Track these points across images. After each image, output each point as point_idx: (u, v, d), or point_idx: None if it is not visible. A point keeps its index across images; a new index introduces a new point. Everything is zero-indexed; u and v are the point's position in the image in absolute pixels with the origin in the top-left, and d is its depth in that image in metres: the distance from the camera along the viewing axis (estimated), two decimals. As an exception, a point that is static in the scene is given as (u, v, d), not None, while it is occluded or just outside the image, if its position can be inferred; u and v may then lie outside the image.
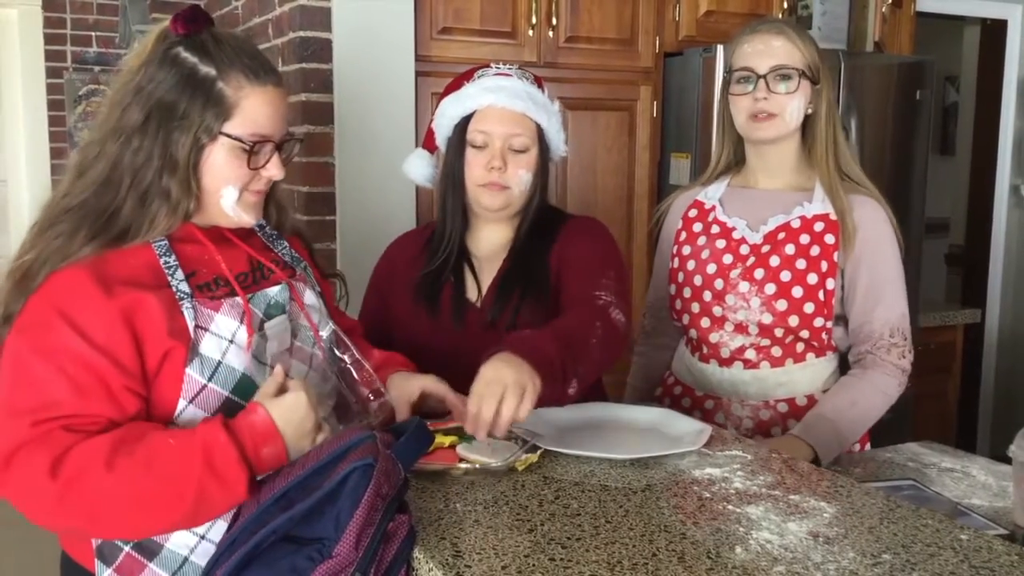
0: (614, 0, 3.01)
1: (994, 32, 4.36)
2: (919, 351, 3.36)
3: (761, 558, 1.08)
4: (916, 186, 3.34)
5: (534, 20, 2.89)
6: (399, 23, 2.70)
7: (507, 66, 1.74)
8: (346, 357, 1.41)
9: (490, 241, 1.77)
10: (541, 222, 1.75)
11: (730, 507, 1.23)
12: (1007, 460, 1.42)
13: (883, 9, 3.48)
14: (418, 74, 2.74)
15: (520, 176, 1.69)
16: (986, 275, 4.43)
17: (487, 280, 1.74)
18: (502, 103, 1.67)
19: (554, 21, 2.91)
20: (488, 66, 1.74)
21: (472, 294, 1.74)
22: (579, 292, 1.62)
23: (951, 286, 4.72)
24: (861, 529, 1.17)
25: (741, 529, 1.16)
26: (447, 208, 1.75)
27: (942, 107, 5.48)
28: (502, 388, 1.30)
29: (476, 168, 1.68)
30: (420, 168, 1.82)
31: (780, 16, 3.24)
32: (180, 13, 1.27)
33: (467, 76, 1.73)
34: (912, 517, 1.20)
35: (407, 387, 1.50)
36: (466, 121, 1.69)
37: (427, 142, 1.82)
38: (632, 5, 3.04)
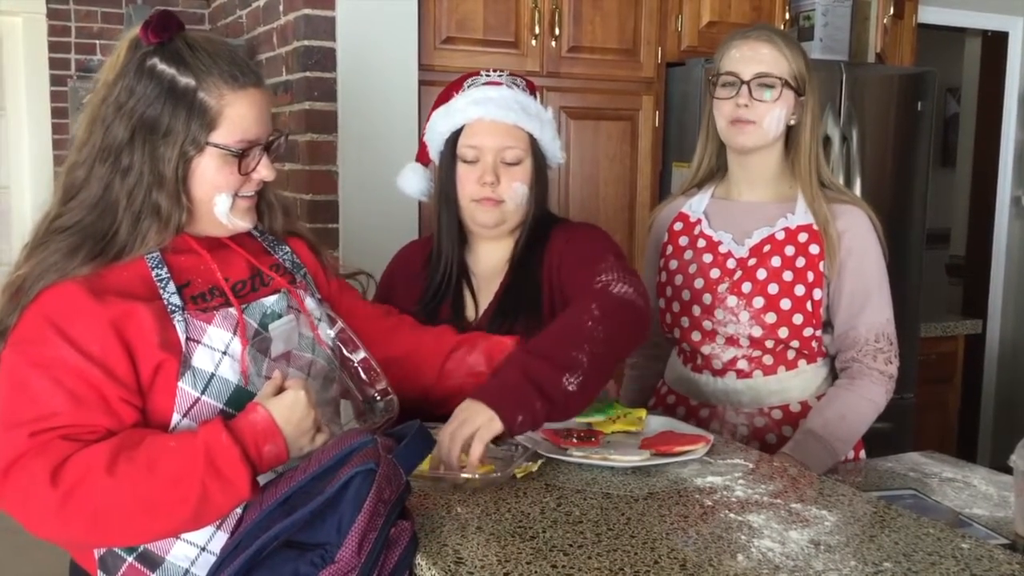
0: (616, 10, 3.02)
1: (995, 44, 4.38)
2: (920, 361, 3.42)
3: (763, 566, 1.08)
4: (917, 197, 3.35)
5: (537, 30, 2.90)
6: (403, 33, 2.71)
7: (497, 73, 1.69)
8: (354, 357, 1.41)
9: (489, 258, 1.73)
10: (536, 233, 1.70)
11: (732, 515, 1.23)
12: (1008, 470, 1.42)
13: (884, 20, 3.50)
14: (421, 83, 2.75)
15: (514, 189, 1.64)
16: (987, 286, 4.44)
17: (485, 299, 1.70)
18: (491, 115, 1.62)
19: (557, 31, 2.93)
20: (479, 74, 1.69)
21: (471, 313, 1.70)
22: (579, 287, 1.57)
23: (952, 297, 4.72)
24: (862, 538, 1.17)
25: (743, 537, 1.16)
26: (442, 226, 1.70)
27: (943, 118, 5.49)
28: (460, 438, 1.32)
29: (468, 184, 1.64)
30: (415, 183, 1.77)
31: (782, 26, 3.25)
32: (150, 21, 1.24)
33: (456, 86, 1.69)
34: (913, 526, 1.20)
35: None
36: (456, 135, 1.65)
37: (420, 155, 1.78)
38: (634, 15, 3.05)
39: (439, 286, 1.70)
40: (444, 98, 1.71)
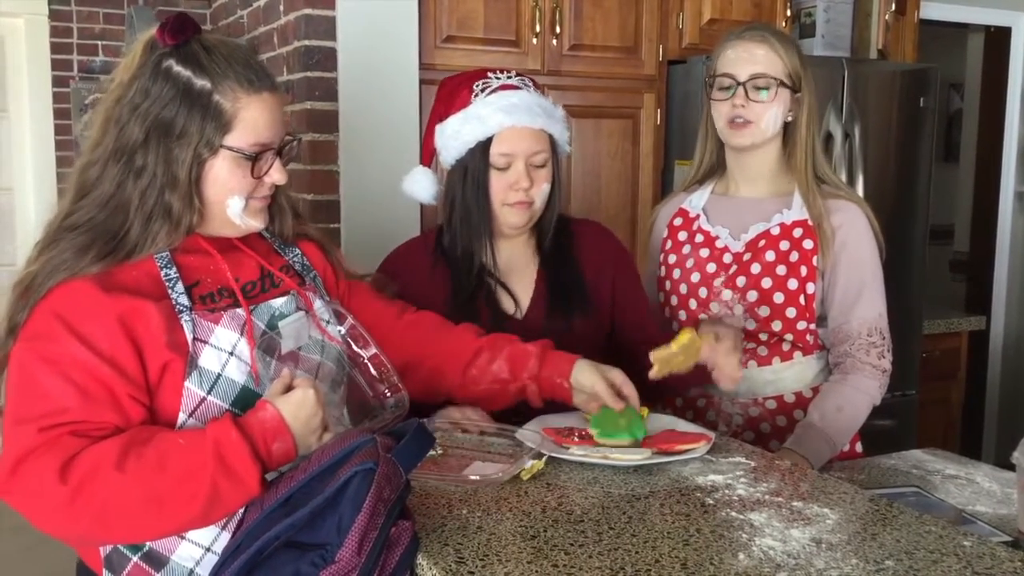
0: (617, 8, 3.02)
1: (998, 39, 4.36)
2: (924, 358, 3.42)
3: (764, 564, 1.08)
4: (920, 193, 3.34)
5: (538, 28, 2.89)
6: (403, 32, 2.71)
7: (507, 75, 1.69)
8: (365, 353, 1.42)
9: (513, 254, 1.76)
10: (558, 227, 1.77)
11: (733, 514, 1.23)
12: (1012, 467, 1.42)
13: (886, 17, 3.49)
14: (422, 82, 2.75)
15: (543, 190, 1.69)
16: (991, 282, 4.43)
17: (524, 292, 1.74)
18: (522, 123, 1.64)
19: (558, 29, 2.92)
20: (486, 76, 1.69)
21: (509, 307, 1.73)
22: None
23: (956, 293, 4.71)
24: (864, 535, 1.17)
25: (744, 536, 1.16)
26: (471, 228, 1.71)
27: (946, 114, 5.48)
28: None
29: (500, 189, 1.67)
30: (425, 186, 1.78)
31: (783, 24, 3.24)
32: (166, 23, 1.25)
33: (465, 88, 1.68)
34: (915, 524, 1.20)
35: (601, 375, 1.49)
36: (485, 143, 1.66)
37: (427, 158, 1.78)
38: (635, 13, 3.05)
39: (469, 284, 1.71)
40: (448, 100, 1.70)
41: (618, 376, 1.50)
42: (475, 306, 1.70)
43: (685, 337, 1.53)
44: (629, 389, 1.50)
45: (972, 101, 4.67)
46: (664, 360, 1.53)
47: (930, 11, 3.83)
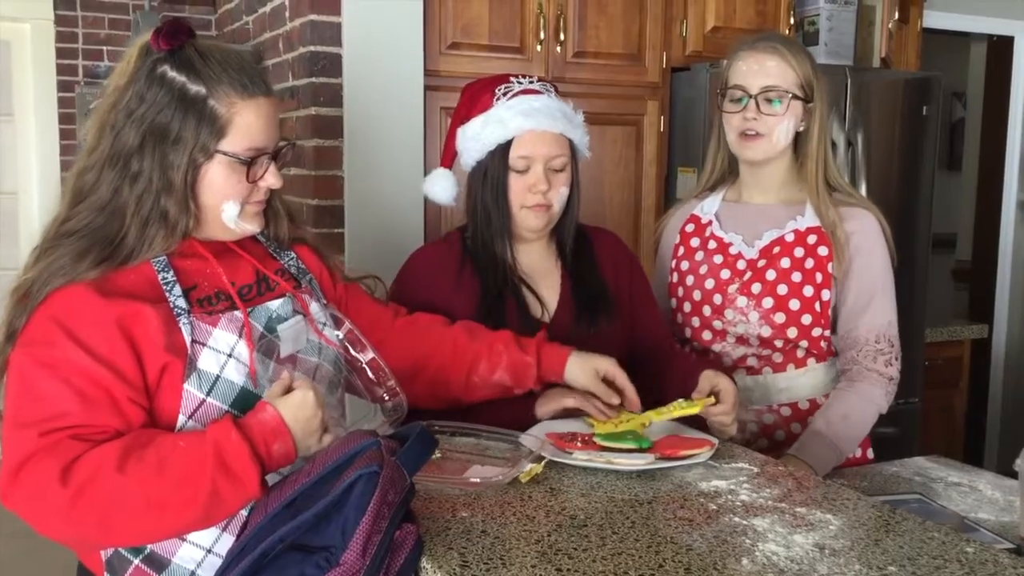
0: (622, 16, 3.03)
1: (1000, 48, 4.38)
2: (926, 366, 3.42)
3: (767, 570, 1.08)
4: (923, 201, 3.35)
5: (542, 35, 2.90)
6: (408, 38, 2.72)
7: (528, 80, 1.72)
8: (362, 357, 1.42)
9: (536, 257, 1.78)
10: (577, 232, 1.80)
11: (736, 519, 1.23)
12: (1014, 475, 1.42)
13: (890, 25, 3.50)
14: (427, 88, 2.76)
15: (561, 193, 1.71)
16: (993, 290, 4.44)
17: (550, 296, 1.75)
18: (542, 126, 1.66)
19: (562, 36, 2.93)
20: (508, 80, 1.71)
21: (537, 311, 1.73)
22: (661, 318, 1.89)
23: (958, 301, 4.71)
24: (867, 542, 1.17)
25: (747, 541, 1.16)
26: (493, 230, 1.72)
27: (949, 123, 5.48)
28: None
29: (519, 192, 1.68)
30: (445, 188, 1.79)
31: (787, 31, 3.25)
32: (161, 28, 1.25)
33: (487, 92, 1.70)
34: (918, 530, 1.20)
35: (593, 372, 1.57)
36: (505, 146, 1.67)
37: (448, 160, 1.80)
38: (639, 21, 3.06)
39: (496, 286, 1.72)
40: (470, 104, 1.72)
41: (610, 366, 1.57)
42: (503, 308, 1.70)
43: (683, 410, 1.56)
44: (622, 379, 1.57)
45: (975, 110, 4.68)
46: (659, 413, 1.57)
47: (933, 20, 3.85)
